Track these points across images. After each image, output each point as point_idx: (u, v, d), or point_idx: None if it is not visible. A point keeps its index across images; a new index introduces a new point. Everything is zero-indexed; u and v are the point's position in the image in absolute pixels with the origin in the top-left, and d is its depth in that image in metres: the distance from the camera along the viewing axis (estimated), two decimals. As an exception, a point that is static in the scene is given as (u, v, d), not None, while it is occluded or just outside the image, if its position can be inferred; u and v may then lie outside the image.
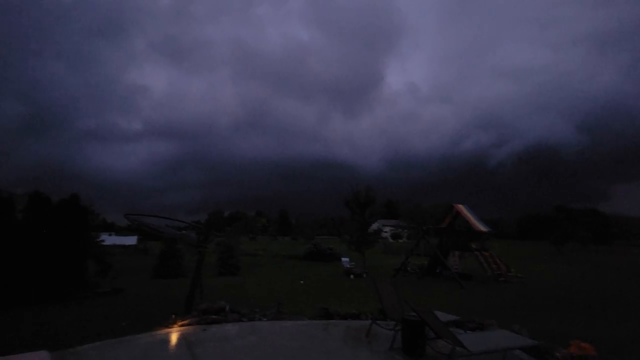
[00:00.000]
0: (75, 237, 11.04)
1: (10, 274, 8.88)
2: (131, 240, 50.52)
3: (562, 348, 3.92)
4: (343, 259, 23.58)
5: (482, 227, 19.61)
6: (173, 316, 5.74)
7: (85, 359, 4.20)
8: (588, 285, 15.25)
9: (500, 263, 18.03)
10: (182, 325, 5.70)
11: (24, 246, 9.40)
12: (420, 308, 3.75)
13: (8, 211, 9.65)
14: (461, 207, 20.80)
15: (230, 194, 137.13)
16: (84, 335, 5.94)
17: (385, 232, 60.59)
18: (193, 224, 8.70)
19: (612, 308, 9.95)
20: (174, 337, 5.12)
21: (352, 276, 18.70)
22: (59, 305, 9.79)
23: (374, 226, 24.51)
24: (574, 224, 52.16)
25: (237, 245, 28.40)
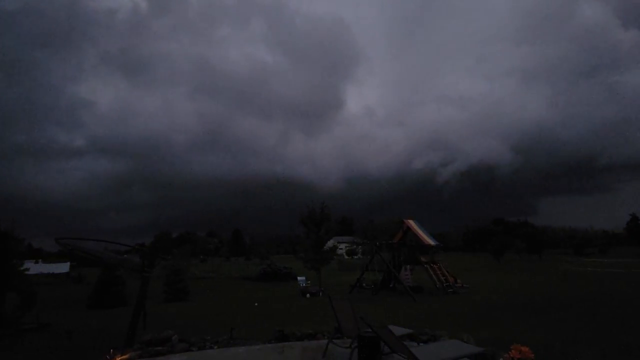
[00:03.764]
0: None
1: None
2: (63, 267, 45.16)
3: (505, 353, 4.20)
4: (299, 278, 23.26)
5: (431, 241, 20.64)
6: (111, 351, 5.18)
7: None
8: (527, 292, 16.61)
9: (448, 275, 19.01)
10: (122, 361, 5.16)
11: None
12: (375, 324, 3.80)
13: None
14: (411, 222, 21.76)
15: (181, 214, 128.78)
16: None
17: (341, 249, 61.13)
18: (137, 247, 8.05)
19: (549, 313, 10.90)
20: (112, 375, 4.62)
21: (308, 295, 18.45)
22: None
23: (329, 243, 24.59)
24: (510, 235, 57.15)
25: (186, 269, 26.73)
